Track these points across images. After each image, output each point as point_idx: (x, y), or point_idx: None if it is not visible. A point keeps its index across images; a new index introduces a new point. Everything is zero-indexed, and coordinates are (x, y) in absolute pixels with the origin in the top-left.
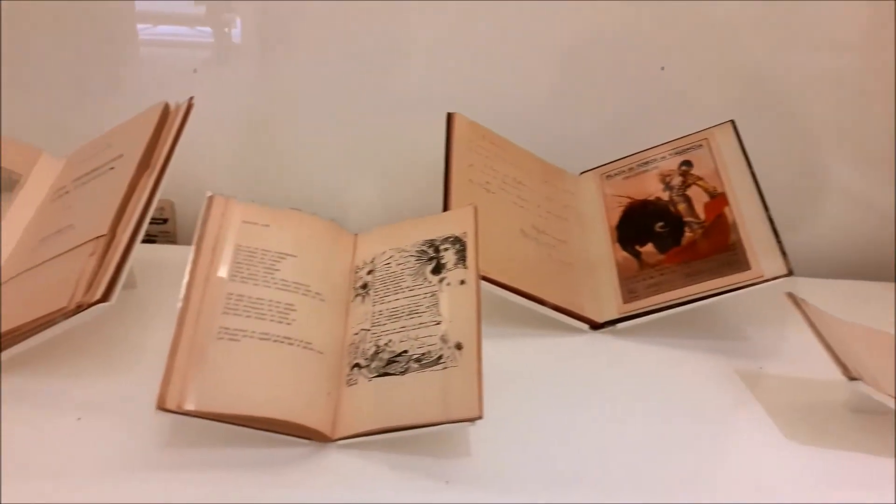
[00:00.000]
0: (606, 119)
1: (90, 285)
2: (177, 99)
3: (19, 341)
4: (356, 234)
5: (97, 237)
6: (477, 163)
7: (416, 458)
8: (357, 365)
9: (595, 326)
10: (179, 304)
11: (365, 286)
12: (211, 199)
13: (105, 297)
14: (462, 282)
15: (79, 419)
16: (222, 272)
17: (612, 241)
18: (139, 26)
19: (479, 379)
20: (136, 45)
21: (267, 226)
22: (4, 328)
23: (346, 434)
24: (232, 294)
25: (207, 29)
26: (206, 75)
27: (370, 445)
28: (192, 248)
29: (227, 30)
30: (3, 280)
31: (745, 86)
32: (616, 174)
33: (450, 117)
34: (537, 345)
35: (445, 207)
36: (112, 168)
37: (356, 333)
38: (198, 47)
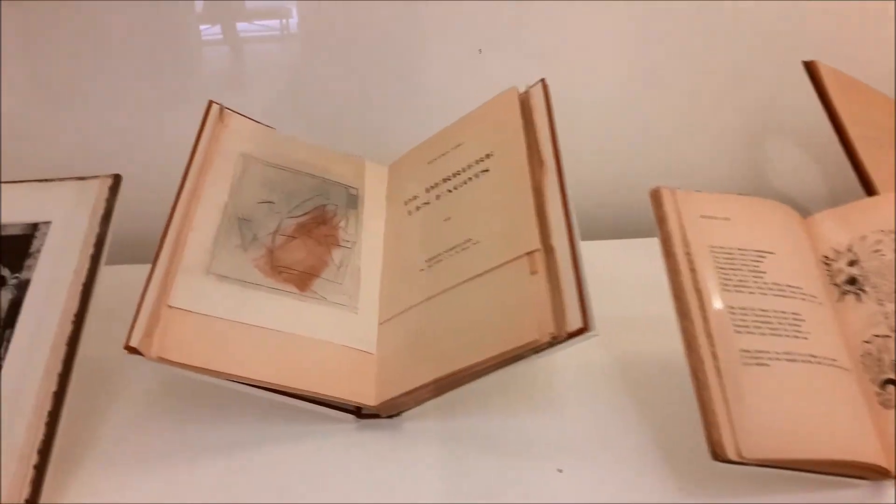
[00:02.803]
0: None
1: (557, 311)
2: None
3: (471, 379)
4: (805, 217)
5: (529, 252)
6: (858, 115)
7: None
8: (891, 381)
9: None
10: (681, 323)
11: (853, 281)
12: (658, 192)
13: (586, 325)
14: None
15: (560, 471)
16: (711, 282)
17: None
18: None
19: None
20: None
21: (727, 219)
22: (453, 367)
23: None
24: (734, 307)
25: None
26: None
27: None
28: (662, 253)
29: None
30: (395, 311)
31: None
32: None
33: (810, 66)
34: None
35: (858, 170)
36: (486, 170)
37: (867, 341)
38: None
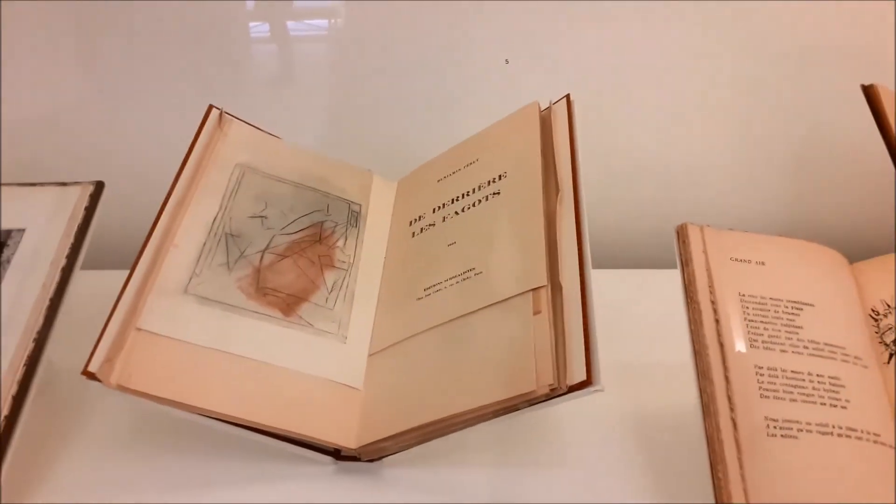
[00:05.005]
0: None
1: (558, 359)
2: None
3: (459, 428)
4: (853, 263)
5: (535, 289)
6: None
7: None
8: None
9: None
10: (698, 381)
11: None
12: (684, 229)
13: (589, 378)
14: None
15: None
16: (737, 335)
17: None
18: None
19: None
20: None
21: (762, 263)
22: (440, 414)
23: None
24: (761, 367)
25: None
26: None
27: None
28: (684, 300)
29: None
30: (386, 343)
31: None
32: None
33: (868, 90)
34: None
35: None
36: (497, 193)
37: None
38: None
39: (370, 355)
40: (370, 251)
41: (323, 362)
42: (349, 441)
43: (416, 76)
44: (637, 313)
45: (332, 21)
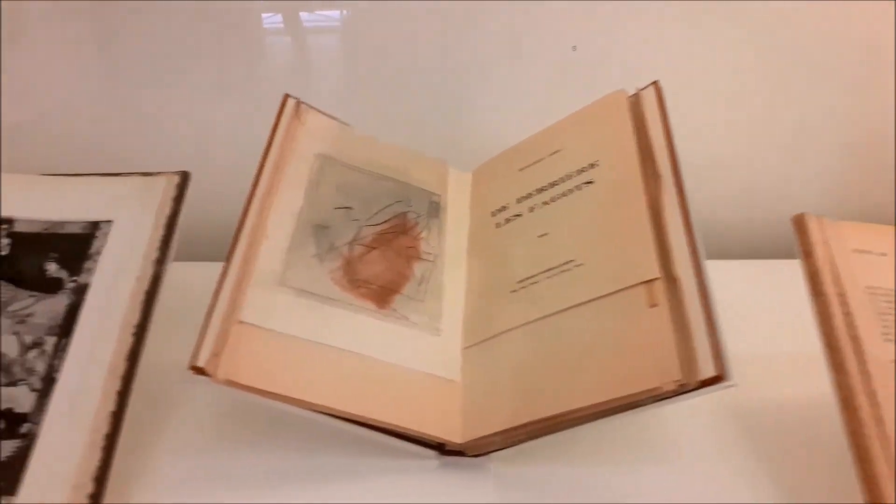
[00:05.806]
0: None
1: (683, 354)
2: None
3: (576, 424)
4: None
5: (647, 281)
6: None
7: None
8: None
9: None
10: (835, 377)
11: None
12: (802, 220)
13: (721, 373)
14: None
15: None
16: (871, 329)
17: None
18: None
19: None
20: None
21: (884, 254)
22: (558, 409)
23: None
24: None
25: None
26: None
27: None
28: (809, 292)
29: None
30: (483, 336)
31: None
32: None
33: None
34: None
35: None
36: (589, 182)
37: None
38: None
39: (465, 348)
40: (453, 242)
41: (420, 355)
42: (454, 435)
43: (435, 68)
44: (737, 304)
45: (345, 13)
